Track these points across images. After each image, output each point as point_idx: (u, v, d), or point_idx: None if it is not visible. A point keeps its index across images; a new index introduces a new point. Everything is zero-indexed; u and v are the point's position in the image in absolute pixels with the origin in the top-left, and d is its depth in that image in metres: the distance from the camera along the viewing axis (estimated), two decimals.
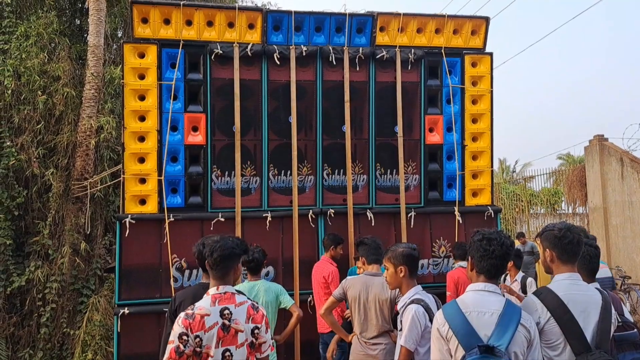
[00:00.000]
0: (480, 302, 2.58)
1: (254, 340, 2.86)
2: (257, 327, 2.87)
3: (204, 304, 2.83)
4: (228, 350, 2.77)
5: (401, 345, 3.24)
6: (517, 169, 30.50)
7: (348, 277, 4.60)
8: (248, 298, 2.97)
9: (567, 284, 2.70)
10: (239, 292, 2.97)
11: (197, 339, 2.72)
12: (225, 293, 2.87)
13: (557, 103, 62.17)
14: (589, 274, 3.16)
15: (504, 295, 2.67)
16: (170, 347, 2.73)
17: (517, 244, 11.72)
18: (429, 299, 3.39)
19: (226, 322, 2.78)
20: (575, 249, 2.72)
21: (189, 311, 2.79)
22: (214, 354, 2.74)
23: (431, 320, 3.13)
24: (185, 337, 2.72)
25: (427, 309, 3.26)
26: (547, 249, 2.79)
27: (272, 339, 3.13)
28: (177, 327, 2.75)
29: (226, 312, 2.80)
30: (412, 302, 3.33)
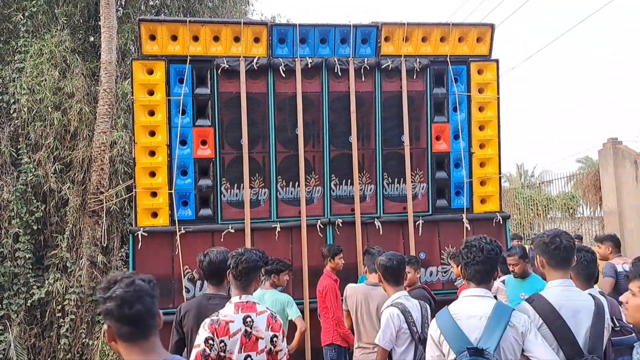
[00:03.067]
0: (469, 306, 2.66)
1: (272, 348, 3.03)
2: (275, 336, 3.05)
3: (228, 311, 3.01)
4: (249, 356, 2.95)
5: (377, 344, 3.56)
6: (536, 174, 30.21)
7: (348, 286, 4.69)
8: (267, 308, 3.15)
9: (558, 290, 2.74)
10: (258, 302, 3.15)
11: (222, 344, 2.90)
12: (247, 302, 3.06)
13: (575, 106, 61.47)
14: (586, 279, 3.19)
15: (495, 298, 2.73)
16: (196, 351, 2.90)
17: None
18: (411, 304, 3.61)
19: (248, 329, 2.96)
20: (564, 254, 2.76)
21: (214, 317, 2.97)
22: (236, 358, 2.90)
23: (407, 323, 3.37)
24: (211, 342, 2.89)
25: (404, 312, 3.50)
26: (538, 256, 2.84)
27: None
28: (204, 332, 2.93)
29: (248, 319, 2.98)
30: (391, 305, 3.50)
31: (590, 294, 2.87)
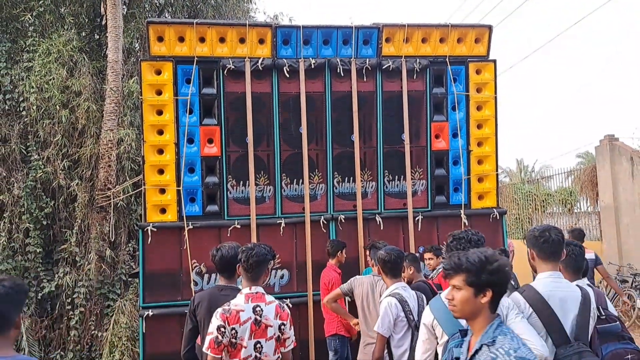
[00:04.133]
0: None
1: (280, 335, 3.23)
2: (283, 324, 3.26)
3: (239, 302, 3.22)
4: (259, 342, 3.16)
5: (376, 331, 3.78)
6: (536, 169, 30.37)
7: (357, 276, 4.93)
8: (275, 298, 3.36)
9: (548, 282, 2.95)
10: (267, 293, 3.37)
11: (233, 331, 3.11)
12: (257, 293, 3.27)
13: (578, 102, 61.49)
14: (575, 271, 3.40)
15: None
16: (209, 338, 3.12)
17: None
18: (408, 294, 3.84)
19: (258, 317, 3.18)
20: (553, 248, 2.97)
21: (226, 307, 3.18)
22: (247, 345, 3.12)
23: (405, 311, 3.65)
24: (222, 329, 3.11)
25: (402, 301, 3.74)
26: (529, 249, 3.05)
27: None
28: (216, 321, 3.15)
29: (258, 309, 3.19)
30: (389, 295, 3.77)
31: (577, 285, 3.08)
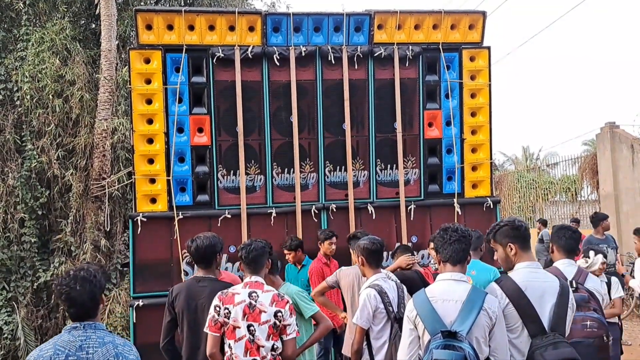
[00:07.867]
0: (446, 290, 2.80)
1: (277, 322, 3.28)
2: (279, 311, 3.30)
3: (237, 287, 3.42)
4: (252, 325, 3.27)
5: (354, 323, 3.76)
6: (542, 156, 30.20)
7: (343, 267, 4.89)
8: (276, 290, 3.46)
9: (526, 272, 2.91)
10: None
11: (226, 310, 3.29)
12: (256, 282, 3.41)
13: (581, 88, 60.97)
14: (568, 251, 3.48)
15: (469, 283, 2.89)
16: (209, 318, 3.34)
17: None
18: (388, 285, 3.78)
19: (252, 302, 3.30)
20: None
21: (225, 291, 3.41)
22: (240, 325, 3.24)
23: (384, 303, 3.66)
24: (218, 308, 3.32)
25: (381, 293, 3.68)
26: (510, 244, 2.96)
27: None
28: (214, 301, 3.36)
29: (254, 294, 3.33)
30: (369, 286, 3.76)
31: (555, 276, 3.02)
